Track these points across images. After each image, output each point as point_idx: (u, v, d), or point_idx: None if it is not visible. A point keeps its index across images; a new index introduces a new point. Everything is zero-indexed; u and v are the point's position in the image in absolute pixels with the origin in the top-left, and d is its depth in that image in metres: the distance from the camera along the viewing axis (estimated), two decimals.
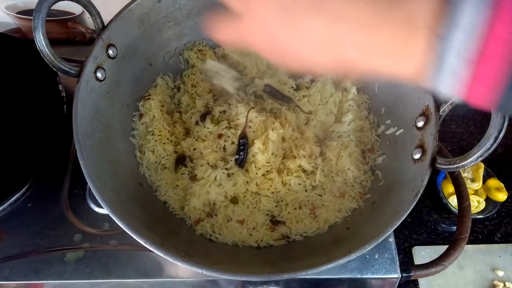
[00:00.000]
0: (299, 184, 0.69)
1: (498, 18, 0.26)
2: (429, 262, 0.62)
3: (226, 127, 0.70)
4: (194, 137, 0.72)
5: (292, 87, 0.77)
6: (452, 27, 0.27)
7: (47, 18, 0.57)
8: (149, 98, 0.74)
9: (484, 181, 0.87)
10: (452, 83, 0.29)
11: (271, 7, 0.35)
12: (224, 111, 0.73)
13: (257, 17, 0.37)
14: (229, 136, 0.70)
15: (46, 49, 0.58)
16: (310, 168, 0.69)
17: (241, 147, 0.68)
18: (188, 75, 0.79)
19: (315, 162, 0.70)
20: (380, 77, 0.33)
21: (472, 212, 0.80)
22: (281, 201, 0.69)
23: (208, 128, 0.71)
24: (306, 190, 0.69)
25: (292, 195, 0.68)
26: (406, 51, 0.30)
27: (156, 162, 0.72)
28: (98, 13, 0.65)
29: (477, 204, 0.85)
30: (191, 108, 0.76)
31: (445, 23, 0.27)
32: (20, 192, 0.67)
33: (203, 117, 0.73)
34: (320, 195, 0.69)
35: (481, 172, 0.86)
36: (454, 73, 0.28)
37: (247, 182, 0.69)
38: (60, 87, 0.76)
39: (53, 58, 0.59)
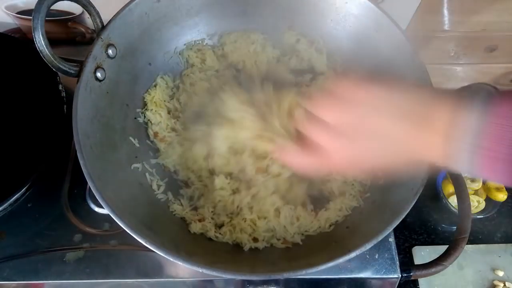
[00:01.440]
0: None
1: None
2: (429, 262, 0.62)
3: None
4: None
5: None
6: (462, 132, 0.38)
7: (47, 18, 0.57)
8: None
9: (484, 181, 0.87)
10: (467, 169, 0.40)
11: (353, 149, 0.48)
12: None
13: (342, 157, 0.49)
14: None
15: (46, 49, 0.58)
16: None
17: None
18: (187, 74, 0.79)
19: None
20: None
21: (472, 212, 0.80)
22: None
23: (201, 130, 0.71)
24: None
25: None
26: (432, 144, 0.42)
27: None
28: (98, 13, 0.65)
29: (477, 204, 0.85)
30: (189, 107, 0.76)
31: (455, 127, 0.39)
32: (20, 192, 0.67)
33: (196, 116, 0.73)
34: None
35: None
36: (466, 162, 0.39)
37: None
38: (60, 87, 0.76)
39: (52, 58, 0.59)
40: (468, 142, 0.38)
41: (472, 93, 0.39)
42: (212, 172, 0.71)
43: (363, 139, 0.47)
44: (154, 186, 0.70)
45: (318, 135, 0.50)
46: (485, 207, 0.86)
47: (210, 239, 0.66)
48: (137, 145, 0.72)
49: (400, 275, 0.65)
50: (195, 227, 0.66)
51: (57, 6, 0.59)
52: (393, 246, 0.68)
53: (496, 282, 0.81)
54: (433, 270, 0.61)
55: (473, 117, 0.38)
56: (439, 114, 0.41)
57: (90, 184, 0.54)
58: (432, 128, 0.42)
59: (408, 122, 0.44)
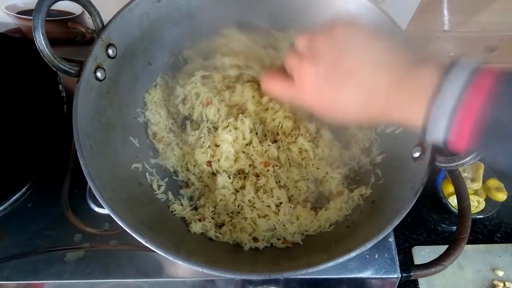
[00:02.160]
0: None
1: (474, 91, 0.37)
2: (429, 262, 0.62)
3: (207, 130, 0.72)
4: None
5: None
6: (443, 97, 0.39)
7: (47, 18, 0.57)
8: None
9: (484, 181, 0.87)
10: (441, 133, 0.40)
11: (318, 77, 0.48)
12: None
13: (307, 84, 0.50)
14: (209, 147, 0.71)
15: (46, 49, 0.58)
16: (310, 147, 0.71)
17: None
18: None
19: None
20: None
21: (472, 212, 0.80)
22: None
23: (192, 135, 0.73)
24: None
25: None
26: (413, 110, 0.42)
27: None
28: (98, 13, 0.65)
29: (477, 204, 0.85)
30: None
31: (439, 95, 0.39)
32: (20, 192, 0.67)
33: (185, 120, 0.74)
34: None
35: (481, 172, 0.86)
36: (442, 125, 0.40)
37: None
38: (60, 87, 0.76)
39: (53, 58, 0.59)
40: (449, 109, 0.38)
41: (458, 64, 0.40)
42: (214, 173, 0.71)
43: (335, 73, 0.47)
44: (154, 186, 0.70)
45: (290, 59, 0.51)
46: (485, 207, 0.86)
47: (210, 239, 0.66)
48: (137, 145, 0.72)
49: (400, 275, 0.65)
50: (195, 227, 0.66)
51: (57, 6, 0.59)
52: (393, 246, 0.68)
53: (496, 282, 0.81)
54: (433, 270, 0.61)
55: (457, 85, 0.38)
56: (421, 75, 0.42)
57: (90, 183, 0.54)
58: (413, 89, 0.42)
59: (388, 75, 0.44)
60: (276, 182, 0.69)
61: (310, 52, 0.49)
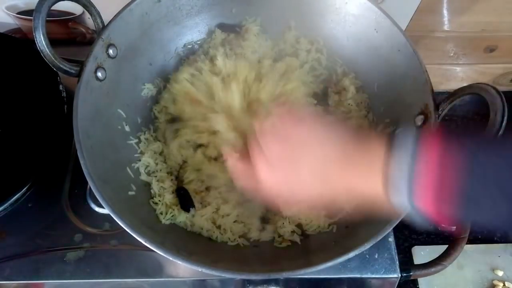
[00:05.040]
0: None
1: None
2: (428, 262, 0.62)
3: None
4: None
5: None
6: (395, 168, 0.40)
7: (48, 19, 0.57)
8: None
9: None
10: (403, 201, 0.40)
11: (273, 160, 0.49)
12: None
13: (262, 169, 0.50)
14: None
15: (47, 49, 0.58)
16: None
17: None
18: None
19: None
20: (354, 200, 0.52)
21: None
22: None
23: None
24: None
25: None
26: (371, 182, 0.43)
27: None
28: (98, 13, 0.65)
29: None
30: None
31: (391, 165, 0.40)
32: (21, 192, 0.67)
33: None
34: None
35: None
36: (403, 198, 0.40)
37: None
38: (61, 87, 0.76)
39: (53, 58, 0.59)
40: (405, 180, 0.39)
41: (402, 135, 0.41)
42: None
43: (293, 170, 0.48)
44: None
45: (256, 158, 0.51)
46: None
47: (210, 238, 0.66)
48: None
49: (399, 275, 0.65)
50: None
51: (58, 6, 0.59)
52: (393, 246, 0.68)
53: (495, 282, 0.81)
54: (432, 270, 0.61)
55: (407, 157, 0.39)
56: (374, 154, 0.43)
57: (90, 183, 0.54)
58: (369, 167, 0.43)
59: (343, 160, 0.46)
60: None
61: (273, 158, 0.50)
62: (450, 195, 0.37)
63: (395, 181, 0.40)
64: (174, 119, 0.75)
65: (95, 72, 0.63)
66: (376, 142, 0.43)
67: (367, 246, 0.53)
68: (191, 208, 0.67)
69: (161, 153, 0.72)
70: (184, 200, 0.68)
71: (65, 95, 0.76)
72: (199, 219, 0.66)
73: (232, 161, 0.58)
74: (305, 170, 0.48)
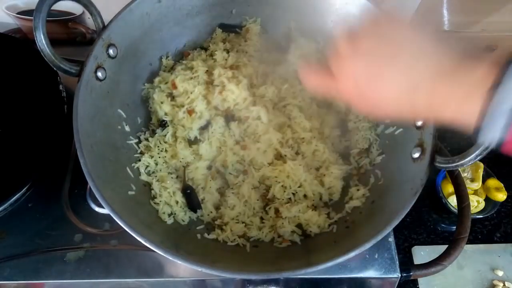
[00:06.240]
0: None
1: None
2: (428, 262, 0.62)
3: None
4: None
5: None
6: (502, 94, 0.36)
7: (48, 19, 0.57)
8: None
9: (483, 181, 0.87)
10: (497, 132, 0.37)
11: (357, 67, 0.46)
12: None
13: (346, 74, 0.48)
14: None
15: (47, 49, 0.58)
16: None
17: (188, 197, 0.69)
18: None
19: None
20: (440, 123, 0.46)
21: (472, 212, 0.80)
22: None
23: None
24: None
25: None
26: (465, 107, 0.39)
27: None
28: (99, 13, 0.65)
29: (476, 204, 0.85)
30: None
31: (497, 95, 0.36)
32: (21, 192, 0.67)
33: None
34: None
35: (481, 172, 0.86)
36: (498, 125, 0.37)
37: None
38: (61, 87, 0.76)
39: (53, 58, 0.59)
40: (509, 107, 0.35)
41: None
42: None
43: (375, 62, 0.45)
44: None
45: (331, 59, 0.50)
46: (484, 207, 0.85)
47: (209, 238, 0.66)
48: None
49: (399, 275, 0.65)
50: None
51: (58, 6, 0.59)
52: (393, 246, 0.68)
53: (495, 282, 0.81)
54: (432, 270, 0.61)
55: None
56: (474, 70, 0.39)
57: (90, 183, 0.54)
58: (464, 84, 0.40)
59: (432, 68, 0.42)
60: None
61: (352, 51, 0.48)
62: None
63: (495, 111, 0.36)
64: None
65: (95, 72, 0.63)
66: (486, 67, 0.38)
67: (367, 246, 0.53)
68: (198, 210, 0.68)
69: (160, 152, 0.72)
70: (191, 200, 0.68)
71: (65, 95, 0.76)
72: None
73: (309, 75, 0.55)
74: (391, 78, 0.44)
